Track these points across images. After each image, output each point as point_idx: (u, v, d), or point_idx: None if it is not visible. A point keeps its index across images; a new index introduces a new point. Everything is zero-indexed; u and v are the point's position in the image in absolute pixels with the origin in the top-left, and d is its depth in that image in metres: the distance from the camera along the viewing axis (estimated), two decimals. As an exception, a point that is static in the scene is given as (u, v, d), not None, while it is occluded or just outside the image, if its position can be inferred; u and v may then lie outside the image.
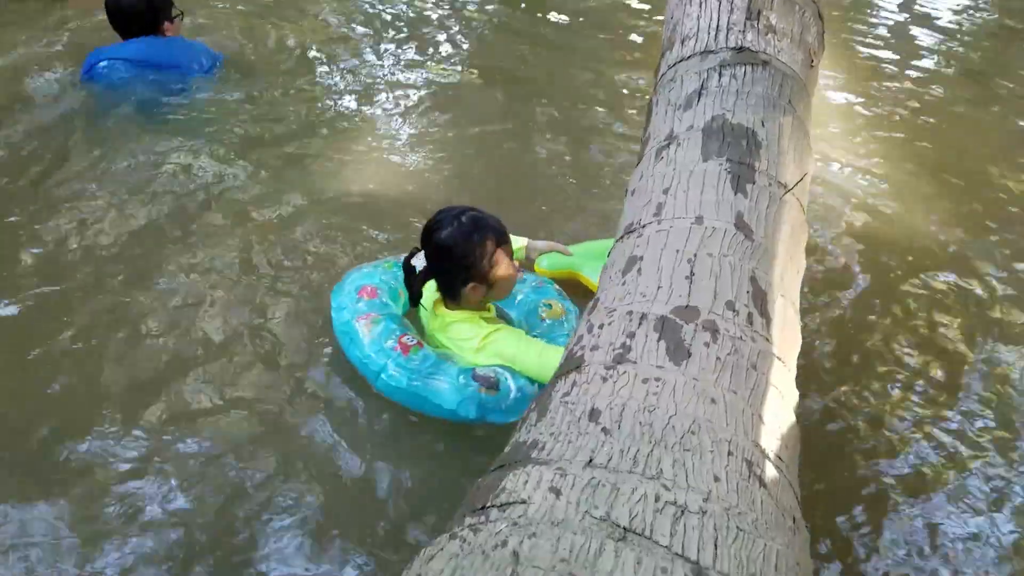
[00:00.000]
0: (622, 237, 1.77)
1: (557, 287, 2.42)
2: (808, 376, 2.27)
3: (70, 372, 2.14)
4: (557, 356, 1.97)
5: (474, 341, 2.08)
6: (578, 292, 2.46)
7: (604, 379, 1.42)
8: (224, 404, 2.10)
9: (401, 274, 2.15)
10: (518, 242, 2.39)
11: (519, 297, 2.36)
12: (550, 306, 2.30)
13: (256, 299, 2.44)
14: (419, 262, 2.07)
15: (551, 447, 1.33)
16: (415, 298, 2.14)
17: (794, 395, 1.54)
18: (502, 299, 2.22)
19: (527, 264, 2.44)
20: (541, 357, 2.03)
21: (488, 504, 1.27)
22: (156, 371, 2.17)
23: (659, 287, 1.54)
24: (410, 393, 2.00)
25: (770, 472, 1.30)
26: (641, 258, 1.63)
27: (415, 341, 2.07)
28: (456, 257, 2.01)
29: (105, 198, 2.81)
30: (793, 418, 1.49)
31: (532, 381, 2.04)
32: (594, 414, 1.35)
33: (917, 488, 2.03)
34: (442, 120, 3.47)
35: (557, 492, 1.21)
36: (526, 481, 1.26)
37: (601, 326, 1.56)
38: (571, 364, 1.54)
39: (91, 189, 2.84)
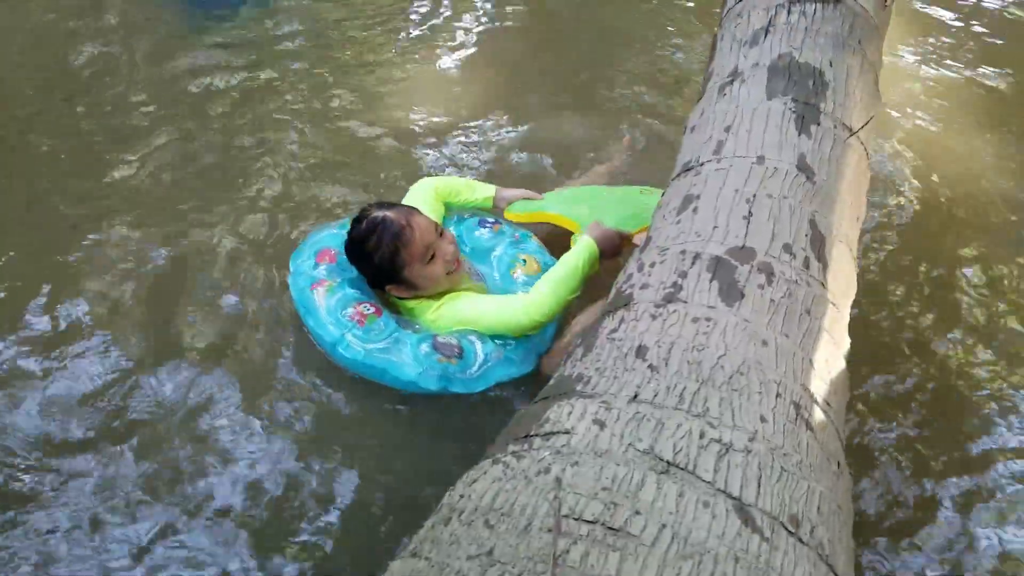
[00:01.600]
0: (679, 175, 1.74)
1: (537, 241, 2.28)
2: (861, 323, 2.23)
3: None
4: (516, 304, 1.94)
5: (428, 312, 2.00)
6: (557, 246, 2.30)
7: (653, 317, 1.42)
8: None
9: None
10: (486, 190, 2.34)
11: (496, 252, 2.22)
12: (524, 261, 2.15)
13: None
14: None
15: (596, 381, 1.34)
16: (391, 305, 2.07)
17: (846, 342, 1.52)
18: (438, 287, 2.04)
19: (497, 212, 2.34)
20: (500, 309, 1.95)
21: (531, 433, 1.29)
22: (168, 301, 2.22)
23: (715, 227, 1.51)
24: (368, 365, 1.90)
25: (817, 416, 1.29)
26: (698, 197, 1.60)
27: (372, 309, 1.97)
28: (362, 264, 1.99)
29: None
30: (843, 364, 1.47)
31: (503, 344, 1.95)
32: (641, 351, 1.35)
33: (968, 442, 2.00)
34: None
35: (601, 424, 1.21)
36: (570, 412, 1.27)
37: (652, 265, 1.54)
38: (619, 302, 1.53)
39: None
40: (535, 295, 1.95)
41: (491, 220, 2.29)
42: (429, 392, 1.88)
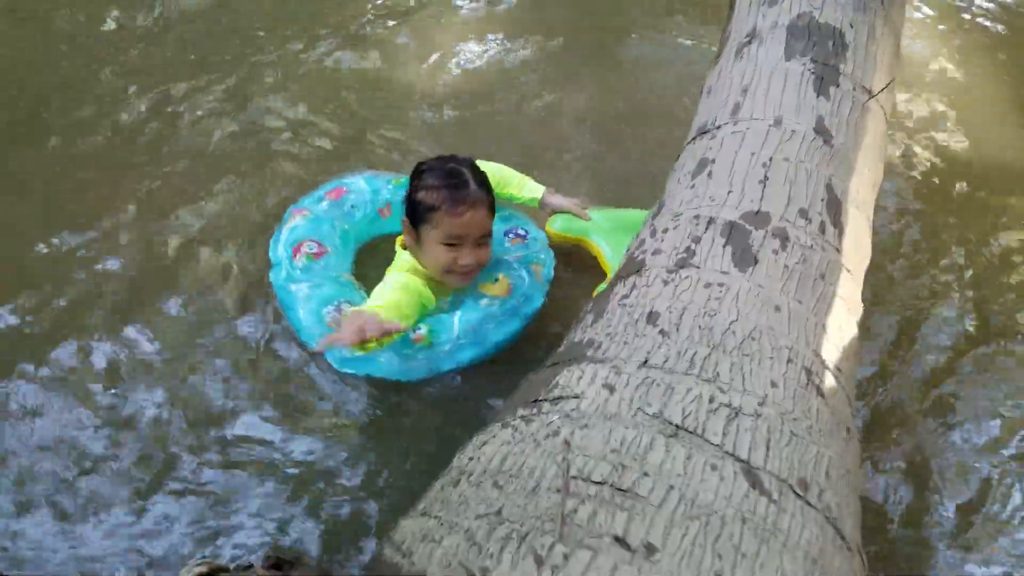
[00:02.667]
0: (694, 139, 1.71)
1: (542, 254, 2.12)
2: (875, 290, 2.22)
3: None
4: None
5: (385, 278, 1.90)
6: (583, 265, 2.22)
7: (665, 282, 1.41)
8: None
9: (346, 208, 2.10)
10: (534, 190, 2.21)
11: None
12: (496, 279, 1.98)
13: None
14: None
15: (607, 347, 1.34)
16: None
17: (859, 308, 1.50)
18: (429, 271, 1.91)
19: (540, 215, 2.24)
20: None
21: (541, 398, 1.29)
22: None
23: (730, 191, 1.49)
24: (353, 367, 1.88)
25: (828, 382, 1.28)
26: (713, 161, 1.58)
27: (316, 248, 1.97)
28: (412, 184, 1.86)
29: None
30: (856, 331, 1.46)
31: (463, 330, 1.86)
32: (652, 316, 1.35)
33: (976, 411, 2.00)
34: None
35: (611, 388, 1.22)
36: (580, 377, 1.27)
37: (665, 230, 1.53)
38: (632, 267, 1.52)
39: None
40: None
41: (523, 232, 2.16)
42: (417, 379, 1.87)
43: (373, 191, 2.20)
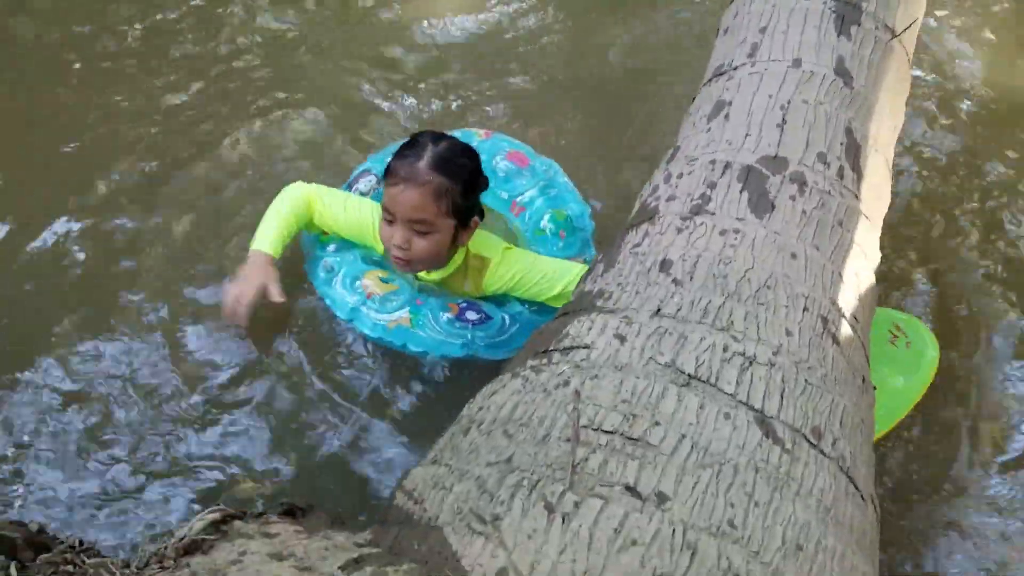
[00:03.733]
0: (710, 80, 1.66)
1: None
2: (892, 237, 2.17)
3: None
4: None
5: (480, 274, 1.82)
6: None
7: (679, 230, 1.38)
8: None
9: None
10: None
11: (523, 197, 2.08)
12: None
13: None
14: None
15: (618, 296, 1.32)
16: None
17: (877, 255, 1.48)
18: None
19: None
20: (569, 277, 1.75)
21: (551, 348, 1.28)
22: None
23: (747, 135, 1.45)
24: (386, 339, 1.78)
25: (844, 330, 1.26)
26: (730, 103, 1.53)
27: (387, 279, 1.82)
28: (459, 171, 1.70)
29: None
30: (873, 279, 1.43)
31: (532, 311, 1.82)
32: (665, 265, 1.32)
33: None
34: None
35: (622, 338, 1.20)
36: (590, 327, 1.26)
37: (680, 176, 1.49)
38: (644, 215, 1.49)
39: None
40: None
41: (523, 154, 2.12)
42: (454, 357, 1.78)
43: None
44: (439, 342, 1.74)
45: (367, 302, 1.77)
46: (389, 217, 1.67)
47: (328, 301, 1.82)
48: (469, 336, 1.74)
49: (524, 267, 1.80)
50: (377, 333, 1.76)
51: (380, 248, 1.82)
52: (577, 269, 1.76)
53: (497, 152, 2.13)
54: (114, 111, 2.48)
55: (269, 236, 1.81)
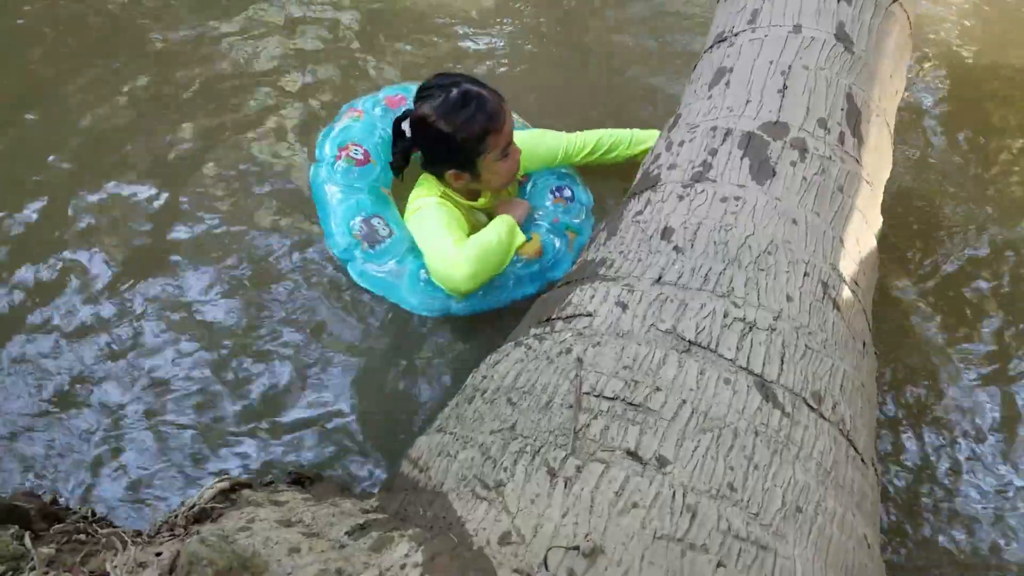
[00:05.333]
0: (711, 47, 1.65)
1: (579, 220, 2.01)
2: (892, 205, 2.17)
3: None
4: (458, 256, 1.68)
5: (411, 205, 1.85)
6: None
7: (680, 198, 1.38)
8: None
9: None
10: (649, 137, 2.07)
11: (530, 187, 2.06)
12: (529, 237, 1.88)
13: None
14: (408, 125, 1.81)
15: (620, 265, 1.32)
16: (397, 169, 1.91)
17: (878, 221, 1.47)
18: (501, 184, 1.88)
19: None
20: (441, 248, 1.72)
21: (553, 316, 1.29)
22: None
23: (748, 101, 1.45)
24: (372, 285, 1.85)
25: (845, 295, 1.26)
26: (731, 70, 1.52)
27: (386, 231, 1.85)
28: (437, 135, 1.73)
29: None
30: (874, 244, 1.43)
31: (412, 272, 1.81)
32: (667, 232, 1.32)
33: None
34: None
35: (623, 306, 1.21)
36: (592, 296, 1.26)
37: (681, 143, 1.49)
38: (646, 183, 1.49)
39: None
40: (468, 255, 1.71)
41: (570, 194, 2.07)
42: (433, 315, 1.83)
43: (385, 133, 2.06)
44: (418, 302, 1.80)
45: (359, 249, 1.83)
46: (505, 151, 1.79)
47: (326, 233, 1.90)
48: (444, 299, 1.80)
49: (424, 222, 1.82)
50: (365, 281, 1.83)
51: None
52: (451, 257, 1.73)
53: None
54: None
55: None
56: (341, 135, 1.99)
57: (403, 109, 1.93)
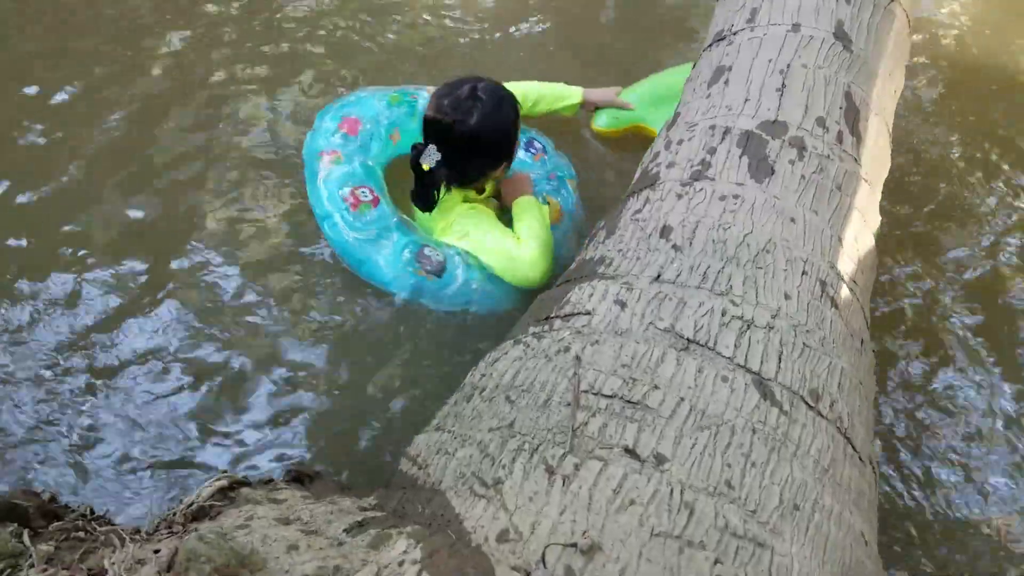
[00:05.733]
0: (710, 46, 1.65)
1: (573, 186, 2.05)
2: (892, 202, 2.17)
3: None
4: (524, 255, 1.74)
5: (445, 223, 1.84)
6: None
7: (679, 196, 1.38)
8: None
9: (402, 112, 1.98)
10: (571, 96, 2.14)
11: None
12: (546, 202, 1.97)
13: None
14: (431, 158, 1.72)
15: (618, 263, 1.32)
16: (431, 204, 1.82)
17: (876, 220, 1.48)
18: (488, 183, 1.92)
19: (584, 116, 2.16)
20: (506, 251, 1.76)
21: (552, 315, 1.29)
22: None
23: (747, 100, 1.45)
24: (347, 252, 1.84)
25: (843, 294, 1.27)
26: (729, 68, 1.52)
27: (370, 196, 1.85)
28: (491, 140, 1.74)
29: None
30: (872, 243, 1.43)
31: (491, 278, 1.81)
32: (665, 231, 1.33)
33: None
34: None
35: (622, 304, 1.21)
36: (591, 294, 1.27)
37: (680, 142, 1.49)
38: (645, 181, 1.49)
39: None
40: (534, 253, 1.76)
41: (539, 146, 2.10)
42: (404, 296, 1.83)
43: (386, 119, 2.05)
44: (392, 277, 1.79)
45: (343, 212, 1.83)
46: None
47: (309, 193, 1.91)
48: (419, 282, 1.79)
49: (479, 227, 1.84)
50: (340, 244, 1.84)
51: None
52: (519, 257, 1.78)
53: None
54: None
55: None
56: (337, 185, 1.94)
57: (362, 131, 1.96)
